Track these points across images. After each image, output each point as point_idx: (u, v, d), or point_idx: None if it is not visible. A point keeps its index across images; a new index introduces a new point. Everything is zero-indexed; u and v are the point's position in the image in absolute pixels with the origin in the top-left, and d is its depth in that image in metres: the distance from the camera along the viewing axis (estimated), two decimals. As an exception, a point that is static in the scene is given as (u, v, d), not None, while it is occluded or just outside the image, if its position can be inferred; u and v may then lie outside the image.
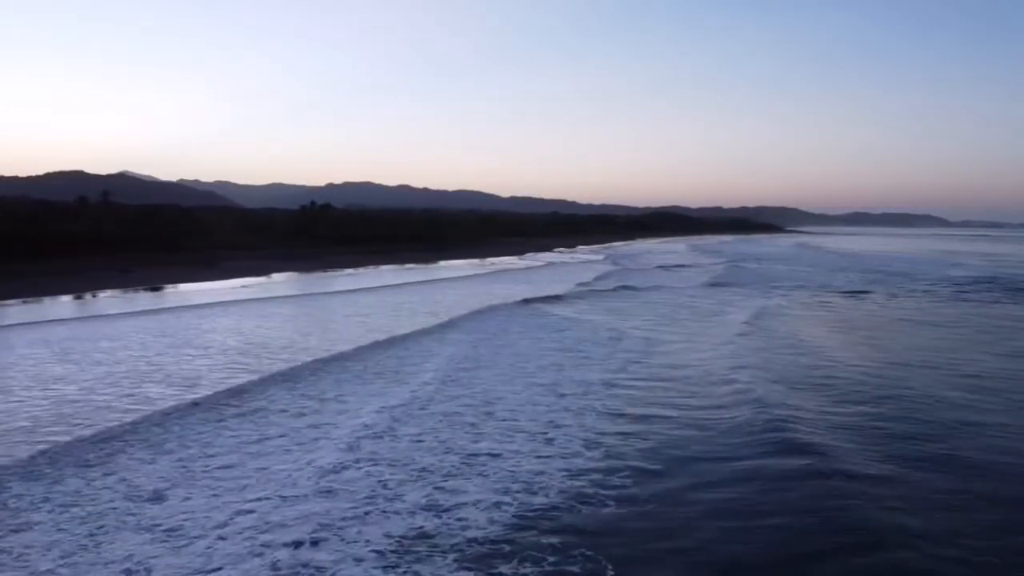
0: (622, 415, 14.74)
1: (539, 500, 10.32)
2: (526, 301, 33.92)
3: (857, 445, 12.74)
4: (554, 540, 9.10)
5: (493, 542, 9.06)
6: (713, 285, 44.65)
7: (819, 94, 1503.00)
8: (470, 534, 9.25)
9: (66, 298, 35.68)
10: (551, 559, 8.66)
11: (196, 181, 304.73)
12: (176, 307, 31.67)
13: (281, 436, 13.25)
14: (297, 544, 8.93)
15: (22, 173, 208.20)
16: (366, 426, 13.72)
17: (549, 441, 12.94)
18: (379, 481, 11.01)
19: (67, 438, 13.08)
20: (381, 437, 13.12)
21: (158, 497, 10.38)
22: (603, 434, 13.36)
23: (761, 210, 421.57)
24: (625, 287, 42.15)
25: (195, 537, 9.13)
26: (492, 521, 9.63)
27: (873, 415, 14.72)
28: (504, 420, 14.36)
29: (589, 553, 8.78)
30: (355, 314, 29.84)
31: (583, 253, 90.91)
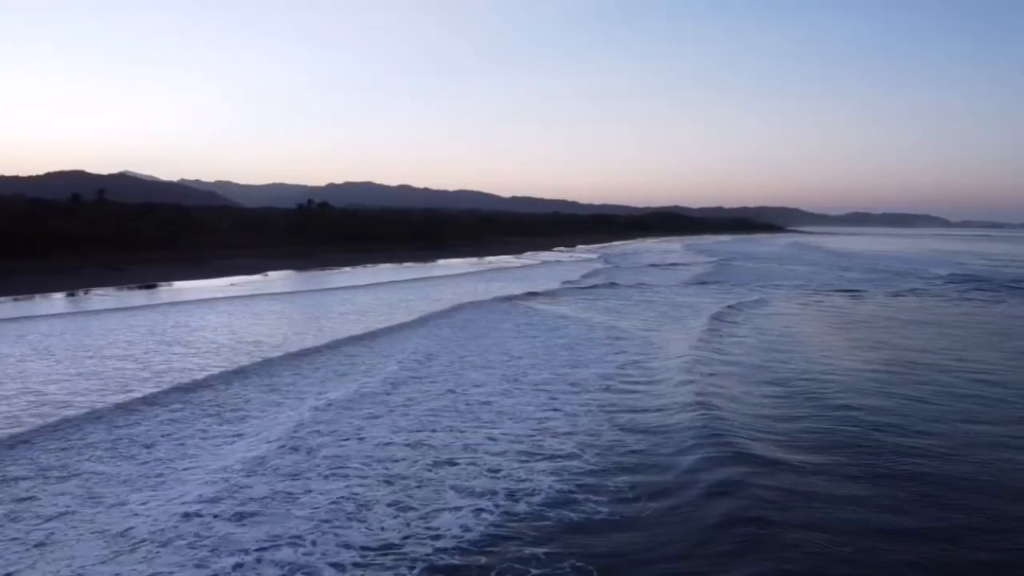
0: (597, 408, 14.49)
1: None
2: (511, 297, 34.44)
3: (824, 454, 12.13)
4: (539, 551, 8.49)
5: (466, 552, 8.45)
6: (696, 283, 45.07)
7: (819, 94, 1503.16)
8: (442, 544, 8.63)
9: (58, 295, 35.58)
10: (535, 572, 8.04)
11: (197, 181, 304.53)
12: (161, 304, 31.43)
13: (248, 436, 12.77)
14: (246, 553, 8.35)
15: (23, 173, 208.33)
16: (334, 430, 13.17)
17: (533, 435, 12.54)
18: (345, 486, 10.42)
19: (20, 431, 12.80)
20: (349, 439, 12.60)
21: (112, 499, 9.93)
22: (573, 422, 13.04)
23: (762, 210, 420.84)
24: (610, 284, 42.75)
25: (138, 544, 8.59)
26: (467, 529, 9.03)
27: (817, 420, 13.96)
28: (477, 406, 14.34)
29: (579, 564, 8.19)
30: (345, 311, 29.67)
31: (581, 252, 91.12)
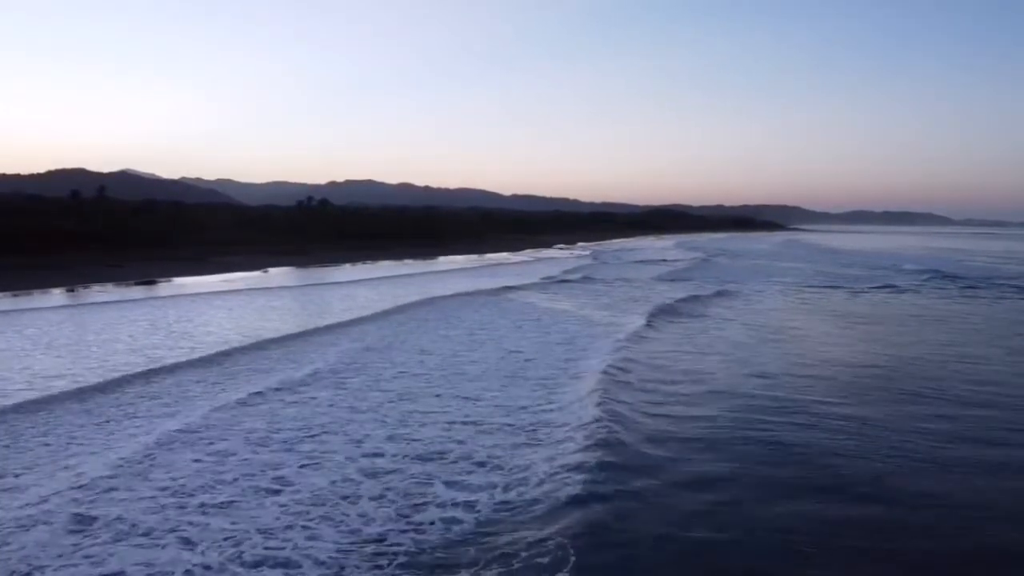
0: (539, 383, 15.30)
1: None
2: (486, 291, 36.10)
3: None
4: (528, 537, 8.56)
5: (453, 544, 8.43)
6: (670, 279, 46.16)
7: (819, 93, 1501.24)
8: (427, 538, 8.57)
9: (57, 291, 35.84)
10: (523, 554, 8.11)
11: (198, 179, 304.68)
12: (158, 298, 31.86)
13: (239, 425, 13.00)
14: (217, 551, 8.24)
15: (24, 171, 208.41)
16: (308, 424, 13.13)
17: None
18: (330, 480, 10.36)
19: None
20: (333, 432, 12.67)
21: (96, 485, 10.21)
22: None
23: (762, 209, 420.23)
24: (585, 279, 44.85)
25: (121, 538, 8.53)
26: (456, 521, 9.00)
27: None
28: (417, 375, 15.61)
29: (565, 541, 8.34)
30: (325, 306, 30.38)
31: (579, 249, 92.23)
